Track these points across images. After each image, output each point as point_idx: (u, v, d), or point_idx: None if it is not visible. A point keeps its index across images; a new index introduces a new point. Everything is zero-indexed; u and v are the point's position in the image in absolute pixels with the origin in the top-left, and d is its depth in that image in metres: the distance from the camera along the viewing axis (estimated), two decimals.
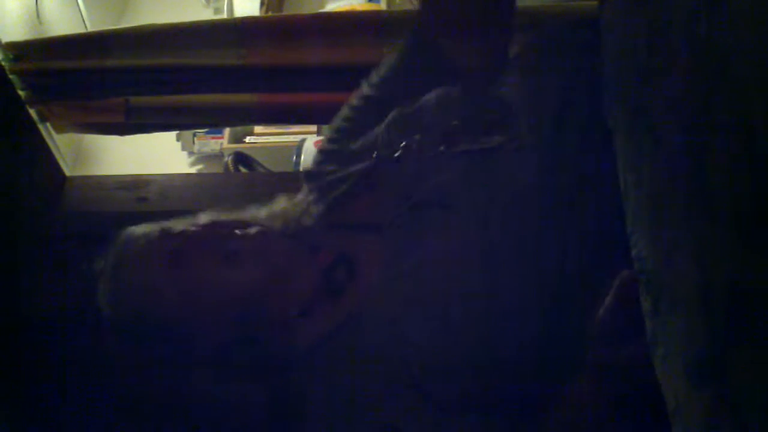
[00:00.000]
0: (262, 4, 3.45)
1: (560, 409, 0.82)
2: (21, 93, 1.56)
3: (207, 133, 3.41)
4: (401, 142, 1.01)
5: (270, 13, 3.43)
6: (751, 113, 0.51)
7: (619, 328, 0.77)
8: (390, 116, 1.06)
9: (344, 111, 1.16)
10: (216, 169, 3.40)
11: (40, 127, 1.65)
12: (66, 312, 1.40)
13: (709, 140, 0.55)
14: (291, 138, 3.22)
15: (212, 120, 1.80)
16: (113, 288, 1.03)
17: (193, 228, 1.03)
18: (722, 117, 0.54)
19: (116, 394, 1.14)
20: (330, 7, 3.50)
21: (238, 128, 3.33)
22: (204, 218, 1.07)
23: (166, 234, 1.03)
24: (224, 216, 1.08)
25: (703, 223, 0.56)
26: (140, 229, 1.06)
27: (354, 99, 1.16)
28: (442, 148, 0.97)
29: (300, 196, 1.12)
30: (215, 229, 1.03)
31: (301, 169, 2.63)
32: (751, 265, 0.51)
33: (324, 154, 1.15)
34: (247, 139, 3.35)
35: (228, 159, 3.19)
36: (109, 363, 1.12)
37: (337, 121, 1.16)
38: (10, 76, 1.54)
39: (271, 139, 3.30)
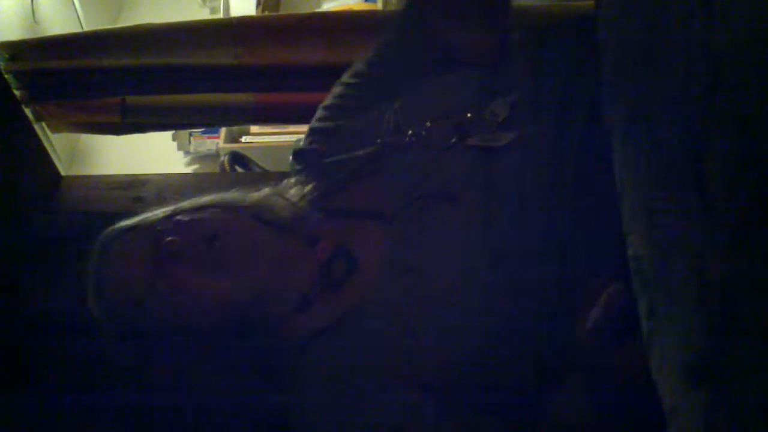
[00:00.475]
0: (258, 3, 3.45)
1: (555, 410, 0.82)
2: (16, 92, 1.56)
3: (203, 132, 3.41)
4: (410, 130, 0.99)
5: (266, 13, 3.43)
6: (749, 113, 0.51)
7: (607, 339, 0.77)
8: (399, 101, 1.04)
9: (336, 89, 1.14)
10: (212, 168, 3.40)
11: (36, 126, 1.65)
12: (61, 312, 1.40)
13: (707, 140, 0.55)
14: (287, 138, 3.22)
15: (208, 120, 1.80)
16: (98, 293, 1.01)
17: (173, 235, 0.96)
18: (720, 117, 0.54)
19: (115, 393, 1.13)
20: (326, 7, 3.49)
21: (234, 128, 3.33)
22: (186, 209, 1.03)
23: (148, 235, 0.98)
24: (208, 201, 1.04)
25: (700, 223, 0.56)
26: (120, 229, 1.02)
27: (346, 77, 1.14)
28: (453, 139, 0.96)
29: (291, 181, 1.09)
30: (201, 228, 0.97)
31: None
32: (750, 267, 0.50)
33: (315, 133, 1.12)
34: (243, 138, 3.34)
35: (224, 159, 3.19)
36: (107, 362, 1.11)
37: (329, 99, 1.14)
38: (6, 76, 1.53)
39: (267, 138, 3.30)
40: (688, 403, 0.57)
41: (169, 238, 0.95)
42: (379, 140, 1.01)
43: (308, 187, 1.05)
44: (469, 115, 0.97)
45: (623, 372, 0.77)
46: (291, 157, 1.14)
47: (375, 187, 1.00)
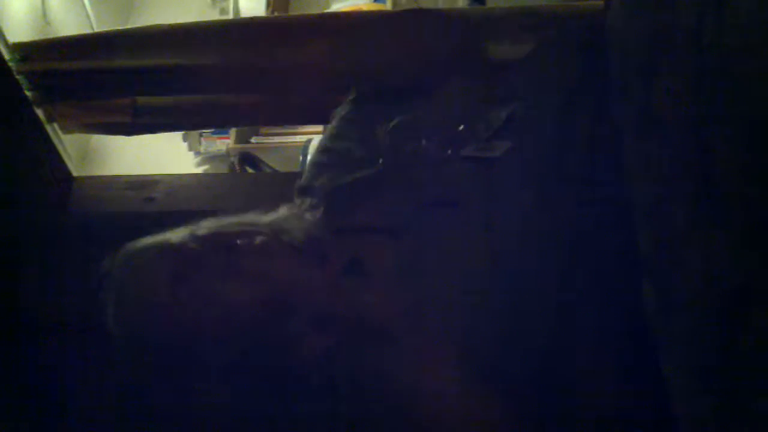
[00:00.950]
0: (267, 4, 3.46)
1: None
2: (28, 93, 1.57)
3: (213, 133, 3.42)
4: (406, 148, 1.01)
5: (276, 14, 3.44)
6: (759, 113, 0.51)
7: None
8: (392, 122, 1.06)
9: (333, 123, 1.17)
10: (222, 169, 3.41)
11: (48, 127, 1.66)
12: (72, 312, 1.41)
13: (717, 140, 0.55)
14: (297, 138, 3.22)
15: (219, 120, 1.80)
16: (118, 310, 1.01)
17: (194, 244, 0.97)
18: (730, 117, 0.54)
19: (121, 398, 1.14)
20: (335, 7, 3.50)
21: (245, 128, 3.34)
22: (205, 226, 1.04)
23: (166, 252, 0.98)
24: (226, 222, 1.05)
25: (710, 223, 0.56)
26: (139, 246, 1.03)
27: (342, 110, 1.17)
28: (449, 151, 0.97)
29: (306, 202, 1.11)
30: (218, 242, 0.98)
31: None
32: (758, 267, 0.50)
33: (317, 167, 1.14)
34: (253, 139, 3.35)
35: (234, 159, 3.20)
36: (115, 366, 1.12)
37: (327, 133, 1.17)
38: (18, 77, 1.54)
39: (277, 139, 3.31)
40: (698, 402, 0.57)
41: (193, 245, 0.96)
42: (380, 160, 1.03)
43: (319, 211, 1.07)
44: (461, 127, 0.98)
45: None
46: (295, 191, 1.16)
47: (380, 204, 1.02)
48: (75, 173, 1.78)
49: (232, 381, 0.97)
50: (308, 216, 1.07)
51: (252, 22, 1.60)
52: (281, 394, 0.97)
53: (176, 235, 1.01)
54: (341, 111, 1.20)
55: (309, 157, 1.20)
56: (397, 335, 0.90)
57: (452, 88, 1.07)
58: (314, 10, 3.50)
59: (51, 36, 2.33)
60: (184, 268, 0.95)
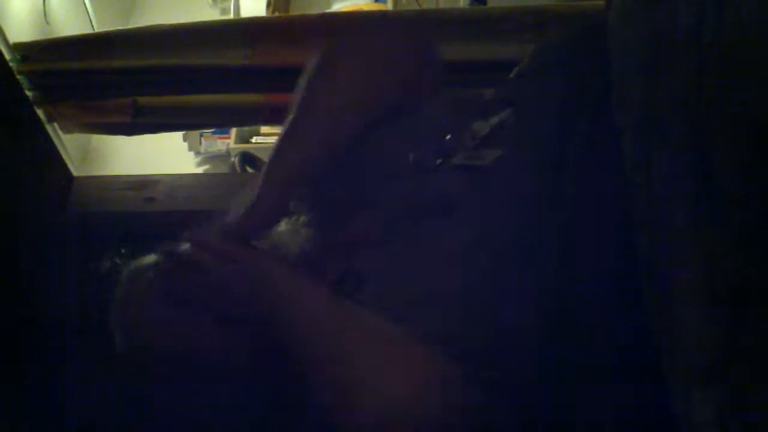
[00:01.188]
0: (268, 4, 3.46)
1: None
2: (28, 93, 1.57)
3: (213, 133, 3.42)
4: (395, 164, 1.01)
5: (276, 14, 3.44)
6: (761, 114, 0.51)
7: None
8: (376, 138, 1.06)
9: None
10: (223, 169, 3.41)
11: (48, 127, 1.66)
12: (72, 312, 1.41)
13: (717, 140, 0.55)
14: None
15: (219, 120, 1.80)
16: (123, 330, 1.02)
17: (193, 256, 0.96)
18: (731, 118, 0.54)
19: (120, 397, 1.14)
20: (336, 7, 3.50)
21: (245, 128, 3.34)
22: (201, 241, 1.04)
23: (165, 266, 0.98)
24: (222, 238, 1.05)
25: (711, 223, 0.56)
26: (142, 266, 1.03)
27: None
28: (439, 161, 0.98)
29: (302, 219, 1.11)
30: (217, 247, 0.97)
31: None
32: (758, 268, 0.50)
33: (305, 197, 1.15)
34: (254, 139, 3.35)
35: (235, 159, 3.20)
36: (115, 365, 1.12)
37: None
38: (18, 77, 1.54)
39: None
40: (698, 402, 0.57)
41: (190, 257, 0.97)
42: (368, 178, 1.03)
43: (312, 227, 1.07)
44: (448, 137, 0.98)
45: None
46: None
47: (373, 218, 1.02)
48: (75, 173, 1.78)
49: (231, 389, 0.98)
50: (303, 231, 1.07)
51: (252, 23, 1.59)
52: (277, 403, 0.97)
53: (175, 256, 1.01)
54: None
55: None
56: (393, 341, 0.90)
57: (442, 96, 1.07)
58: (315, 10, 3.50)
59: (52, 36, 2.33)
60: (183, 281, 0.95)
